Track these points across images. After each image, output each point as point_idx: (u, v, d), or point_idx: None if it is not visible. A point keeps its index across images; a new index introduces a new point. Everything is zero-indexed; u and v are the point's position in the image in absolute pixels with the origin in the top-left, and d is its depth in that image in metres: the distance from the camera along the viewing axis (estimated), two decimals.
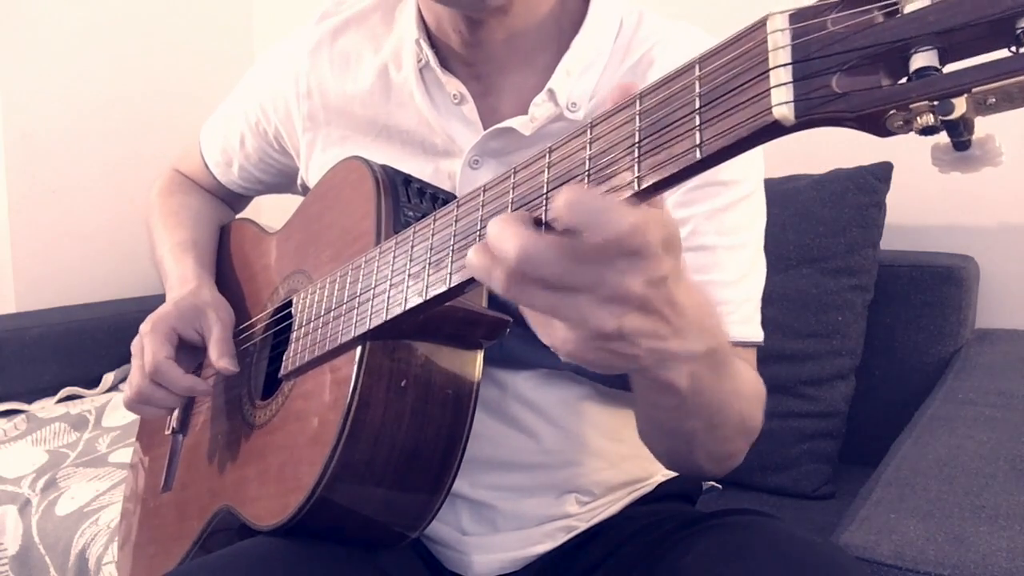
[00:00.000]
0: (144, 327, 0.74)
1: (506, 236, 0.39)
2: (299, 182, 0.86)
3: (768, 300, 1.19)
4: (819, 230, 1.20)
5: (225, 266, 0.88)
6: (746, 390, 0.59)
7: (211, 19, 2.16)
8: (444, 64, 0.71)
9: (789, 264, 1.20)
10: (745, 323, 0.69)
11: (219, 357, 0.72)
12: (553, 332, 0.41)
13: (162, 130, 2.00)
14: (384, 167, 0.65)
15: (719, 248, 0.67)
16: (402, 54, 0.74)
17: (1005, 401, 0.95)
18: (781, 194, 1.21)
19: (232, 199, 0.98)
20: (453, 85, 0.70)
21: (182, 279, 0.81)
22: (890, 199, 1.21)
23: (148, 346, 0.72)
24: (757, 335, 0.70)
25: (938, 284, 1.22)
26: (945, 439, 0.85)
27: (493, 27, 0.66)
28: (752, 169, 0.69)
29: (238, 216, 0.98)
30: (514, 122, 0.67)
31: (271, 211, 1.20)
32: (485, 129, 0.69)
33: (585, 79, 0.68)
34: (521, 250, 0.38)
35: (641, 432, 0.63)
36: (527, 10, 0.67)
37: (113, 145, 1.94)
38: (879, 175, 1.20)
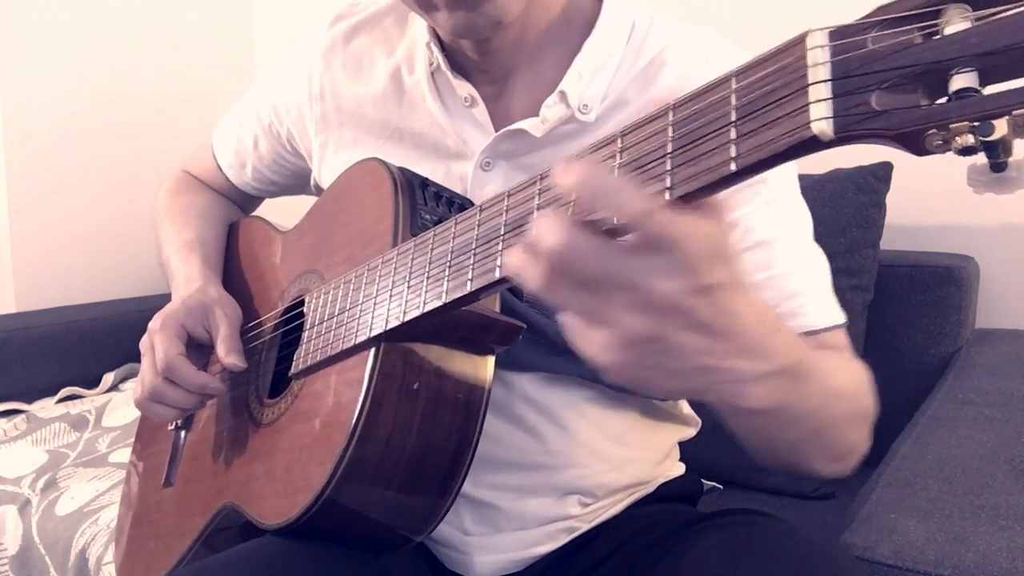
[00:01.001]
0: (153, 324, 0.74)
1: (551, 228, 0.37)
2: (312, 183, 0.86)
3: None
4: (819, 230, 1.18)
5: (233, 264, 0.88)
6: (846, 387, 0.55)
7: (211, 20, 2.16)
8: (455, 67, 0.71)
9: None
10: (825, 308, 0.67)
11: (227, 353, 0.72)
12: (590, 340, 0.39)
13: (162, 130, 2.01)
14: (402, 169, 0.65)
15: (777, 242, 0.66)
16: (414, 57, 0.74)
17: (1005, 401, 0.96)
18: None
19: (244, 201, 0.98)
20: (464, 88, 0.70)
21: (188, 278, 0.81)
22: (890, 199, 1.21)
23: (159, 344, 0.72)
24: (840, 317, 0.67)
25: (938, 284, 1.22)
26: (945, 439, 0.85)
27: (502, 34, 0.66)
28: (784, 176, 0.69)
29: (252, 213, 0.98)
30: (525, 124, 0.67)
31: (275, 210, 1.20)
32: (496, 129, 0.69)
33: (597, 81, 0.68)
34: (563, 242, 0.36)
35: (748, 450, 0.58)
36: (535, 16, 0.67)
37: (113, 145, 1.94)
38: (879, 175, 1.20)
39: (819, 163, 1.25)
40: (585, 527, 0.76)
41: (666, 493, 0.82)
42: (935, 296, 1.22)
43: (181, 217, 0.91)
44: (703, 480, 1.04)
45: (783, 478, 1.18)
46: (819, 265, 0.69)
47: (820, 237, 1.18)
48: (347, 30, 0.78)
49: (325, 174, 0.80)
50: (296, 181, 0.90)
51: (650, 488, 0.81)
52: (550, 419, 0.72)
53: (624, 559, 0.69)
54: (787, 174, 0.69)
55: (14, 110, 1.77)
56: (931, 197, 1.34)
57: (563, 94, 0.67)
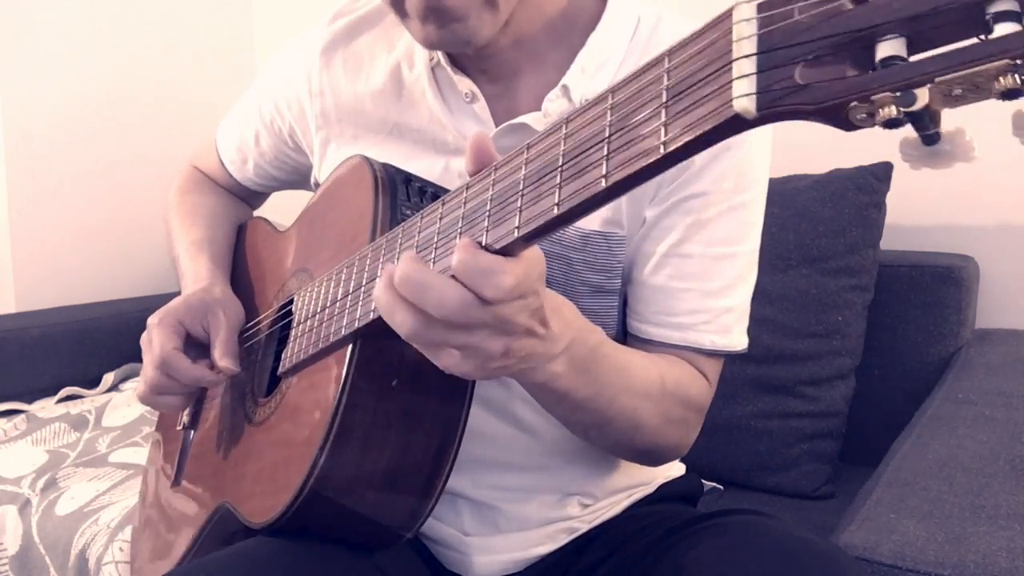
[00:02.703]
0: (152, 320, 0.74)
1: (421, 285, 0.45)
2: (313, 180, 0.86)
3: (768, 300, 1.19)
4: (819, 230, 1.20)
5: (239, 264, 0.89)
6: (640, 387, 0.63)
7: (211, 20, 2.16)
8: (456, 63, 0.71)
9: (789, 264, 1.20)
10: (720, 333, 0.70)
11: (221, 356, 0.72)
12: (447, 359, 0.47)
13: (162, 130, 2.00)
14: (385, 165, 0.65)
15: (704, 258, 0.68)
16: (414, 53, 0.74)
17: (1005, 401, 0.95)
18: (781, 194, 1.21)
19: (249, 196, 0.98)
20: (464, 84, 0.70)
21: (196, 277, 0.81)
22: (890, 199, 1.21)
23: (156, 338, 0.72)
24: (733, 345, 0.71)
25: (938, 284, 1.22)
26: (945, 439, 0.85)
27: (497, 37, 0.66)
28: (748, 179, 0.69)
29: (256, 213, 0.99)
30: (527, 118, 0.67)
31: (281, 209, 1.20)
32: (497, 125, 0.69)
33: (599, 76, 0.68)
34: (439, 301, 0.44)
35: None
36: (531, 15, 0.67)
37: (113, 145, 1.94)
38: (879, 175, 1.20)
39: (819, 163, 1.25)
40: (585, 527, 0.76)
41: (666, 493, 0.82)
42: (935, 296, 1.22)
43: (191, 215, 0.91)
44: (703, 480, 1.05)
45: (783, 478, 1.18)
46: (740, 290, 0.71)
47: (820, 237, 1.19)
48: (347, 27, 0.78)
49: (325, 170, 0.80)
50: (298, 177, 0.90)
51: (650, 488, 0.81)
52: (550, 420, 0.72)
53: (624, 559, 0.69)
54: (748, 189, 0.69)
55: (14, 110, 1.77)
56: (931, 197, 1.34)
57: (566, 88, 0.67)
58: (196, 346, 0.76)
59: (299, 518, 0.59)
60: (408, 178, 0.65)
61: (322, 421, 0.58)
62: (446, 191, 0.67)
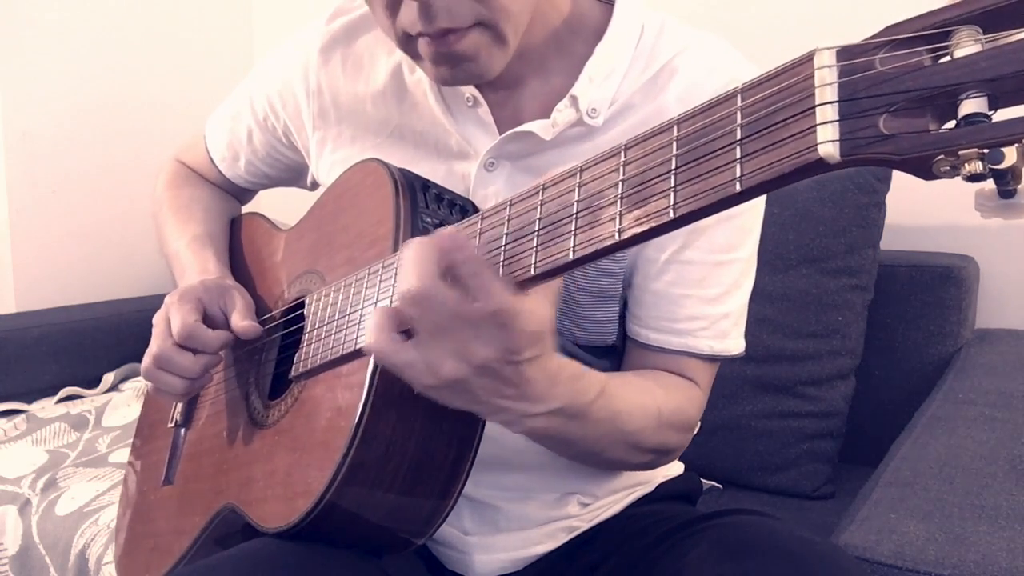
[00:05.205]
0: (170, 299, 0.73)
1: (414, 271, 0.45)
2: (309, 180, 0.85)
3: (768, 300, 1.19)
4: (819, 230, 1.20)
5: (235, 261, 0.88)
6: (628, 427, 0.62)
7: (211, 19, 2.16)
8: None
9: (789, 264, 1.20)
10: (717, 338, 0.70)
11: (241, 319, 0.72)
12: (413, 368, 0.48)
13: (162, 130, 2.00)
14: (403, 171, 0.65)
15: (705, 264, 0.68)
16: None
17: (1005, 401, 0.95)
18: (781, 194, 1.21)
19: (238, 192, 0.97)
20: (466, 88, 0.70)
21: (203, 270, 0.80)
22: (890, 199, 1.21)
23: (176, 313, 0.71)
24: (730, 349, 0.71)
25: (938, 284, 1.22)
26: (945, 439, 0.85)
27: None
28: None
29: (246, 210, 0.97)
30: (534, 126, 0.67)
31: (276, 206, 1.20)
32: (500, 130, 0.69)
33: (606, 86, 0.67)
34: (422, 285, 0.45)
35: None
36: (534, 28, 0.66)
37: (113, 145, 1.94)
38: (879, 175, 1.20)
39: None
40: (585, 527, 0.76)
41: (665, 493, 0.82)
42: (935, 296, 1.22)
43: (186, 210, 0.90)
44: (703, 480, 1.05)
45: (783, 478, 1.18)
46: (738, 294, 0.71)
47: (820, 237, 1.19)
48: (346, 27, 0.77)
49: (323, 170, 0.80)
50: (290, 174, 0.90)
51: (649, 487, 0.81)
52: None
53: (624, 559, 0.69)
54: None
55: (14, 110, 1.77)
56: (931, 197, 1.34)
57: (574, 98, 0.66)
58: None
59: (316, 524, 0.59)
60: (426, 184, 0.65)
61: (345, 426, 0.57)
62: (461, 199, 0.67)
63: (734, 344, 0.72)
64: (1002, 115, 0.31)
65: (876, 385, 1.25)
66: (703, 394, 0.72)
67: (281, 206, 1.20)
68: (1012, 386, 1.01)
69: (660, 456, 0.70)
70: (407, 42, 0.62)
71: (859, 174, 1.20)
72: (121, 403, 1.56)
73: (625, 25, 0.69)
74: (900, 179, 1.20)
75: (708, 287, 0.69)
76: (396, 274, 0.57)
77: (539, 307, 0.46)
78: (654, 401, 0.66)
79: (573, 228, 0.43)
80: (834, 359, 1.18)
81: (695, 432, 0.73)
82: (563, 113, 0.67)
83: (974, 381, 1.05)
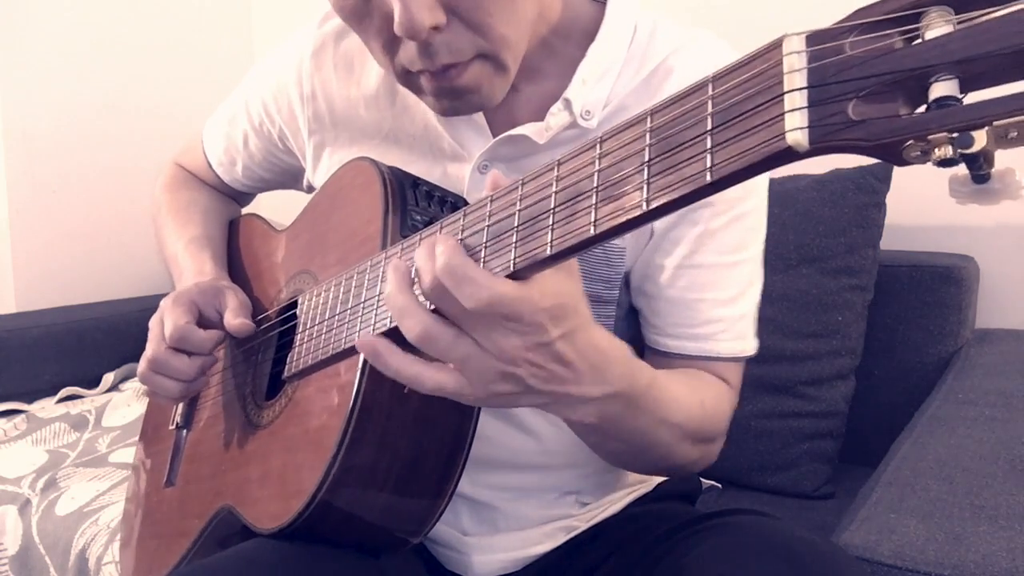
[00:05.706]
0: (165, 303, 0.74)
1: (429, 265, 0.45)
2: (305, 183, 0.85)
3: (768, 300, 1.19)
4: (819, 230, 1.20)
5: (233, 262, 0.88)
6: (677, 417, 0.61)
7: (211, 19, 2.16)
8: None
9: (789, 264, 1.20)
10: (737, 339, 0.70)
11: (234, 317, 0.72)
12: (470, 392, 0.48)
13: (162, 130, 2.00)
14: (392, 169, 0.65)
15: (717, 267, 0.68)
16: None
17: (1005, 401, 0.95)
18: (781, 194, 1.21)
19: (237, 195, 0.98)
20: None
21: (200, 271, 0.81)
22: (890, 199, 1.21)
23: (169, 316, 0.72)
24: (748, 349, 0.72)
25: (938, 284, 1.22)
26: (945, 439, 0.85)
27: None
28: (750, 185, 0.68)
29: (246, 211, 0.98)
30: (527, 129, 0.67)
31: (275, 208, 1.20)
32: (494, 133, 0.69)
33: (599, 87, 0.67)
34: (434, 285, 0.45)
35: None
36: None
37: (113, 145, 1.94)
38: (879, 175, 1.20)
39: (819, 163, 1.25)
40: (584, 526, 0.76)
41: (665, 492, 0.82)
42: (935, 296, 1.22)
43: (185, 213, 0.90)
44: (702, 479, 1.05)
45: (783, 478, 1.18)
46: (751, 295, 0.71)
47: (820, 237, 1.19)
48: (338, 28, 0.77)
49: (320, 174, 0.80)
50: (287, 178, 0.90)
51: (648, 487, 0.81)
52: (548, 419, 0.72)
53: (623, 559, 0.69)
54: (752, 196, 0.69)
55: (14, 110, 1.77)
56: (931, 197, 1.33)
57: (567, 101, 0.66)
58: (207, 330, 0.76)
59: (310, 524, 0.59)
60: (415, 182, 0.65)
61: (336, 426, 0.57)
62: (453, 195, 0.66)
63: (752, 344, 0.72)
64: (973, 99, 0.30)
65: (876, 385, 1.25)
66: (734, 392, 0.72)
67: (280, 207, 1.20)
68: (1012, 386, 1.01)
69: (707, 446, 0.68)
70: (407, 77, 0.62)
71: (859, 174, 1.20)
72: (121, 403, 1.56)
73: (617, 25, 0.68)
74: (900, 179, 1.20)
75: (723, 289, 0.69)
76: (382, 274, 0.57)
77: (550, 284, 0.45)
78: (696, 392, 0.65)
79: (551, 223, 0.42)
80: (834, 359, 1.18)
81: (725, 435, 0.72)
82: (557, 116, 0.66)
83: (974, 381, 1.05)
